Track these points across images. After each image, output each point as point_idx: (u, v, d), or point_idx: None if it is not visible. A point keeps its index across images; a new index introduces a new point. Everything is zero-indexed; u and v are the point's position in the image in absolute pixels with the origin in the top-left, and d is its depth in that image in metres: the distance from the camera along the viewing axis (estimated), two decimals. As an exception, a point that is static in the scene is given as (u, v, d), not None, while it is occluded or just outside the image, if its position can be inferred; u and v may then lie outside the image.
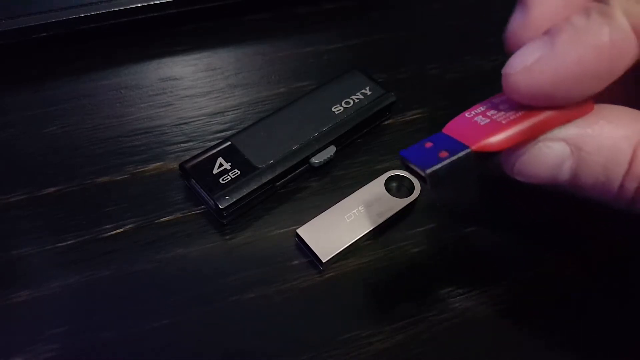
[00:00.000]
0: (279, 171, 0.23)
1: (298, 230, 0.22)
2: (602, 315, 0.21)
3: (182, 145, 0.25)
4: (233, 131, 0.25)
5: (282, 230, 0.23)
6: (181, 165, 0.23)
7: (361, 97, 0.26)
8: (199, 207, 0.23)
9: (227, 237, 0.23)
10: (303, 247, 0.22)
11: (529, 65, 0.15)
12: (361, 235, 0.22)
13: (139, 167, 0.25)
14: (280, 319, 0.21)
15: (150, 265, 0.22)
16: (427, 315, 0.21)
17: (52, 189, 0.24)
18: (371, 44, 0.31)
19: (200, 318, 0.20)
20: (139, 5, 0.28)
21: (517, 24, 0.17)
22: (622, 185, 0.16)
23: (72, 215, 0.23)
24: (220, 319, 0.20)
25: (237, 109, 0.27)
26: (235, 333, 0.20)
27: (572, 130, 0.16)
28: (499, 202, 0.24)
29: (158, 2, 0.28)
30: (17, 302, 0.20)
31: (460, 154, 0.16)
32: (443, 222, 0.23)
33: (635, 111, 0.16)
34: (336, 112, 0.25)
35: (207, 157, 0.23)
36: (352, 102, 0.25)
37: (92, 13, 0.28)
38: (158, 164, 0.25)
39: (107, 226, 0.22)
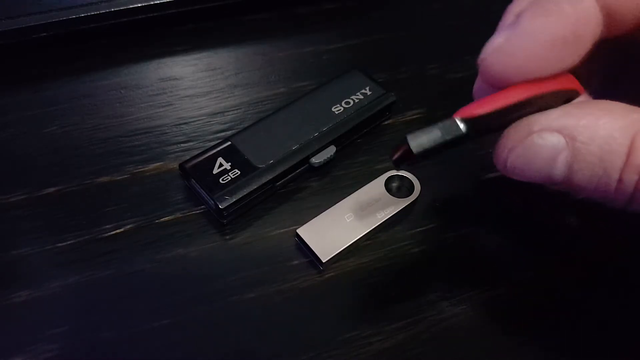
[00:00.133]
0: (279, 171, 0.23)
1: (298, 230, 0.22)
2: (602, 316, 0.21)
3: (182, 145, 0.25)
4: (233, 131, 0.25)
5: (282, 230, 0.23)
6: (181, 165, 0.23)
7: (361, 97, 0.26)
8: (199, 207, 0.23)
9: (227, 237, 0.23)
10: (303, 247, 0.22)
11: (498, 45, 0.16)
12: (361, 235, 0.22)
13: (139, 167, 0.25)
14: (280, 319, 0.21)
15: (150, 265, 0.22)
16: (427, 315, 0.21)
17: (52, 189, 0.24)
18: (371, 44, 0.31)
19: (201, 318, 0.20)
20: (139, 5, 0.28)
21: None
22: (620, 179, 0.15)
23: (72, 215, 0.23)
24: (221, 319, 0.20)
25: (237, 109, 0.27)
26: (235, 333, 0.20)
27: (566, 121, 0.15)
28: (499, 202, 0.24)
29: (158, 2, 0.29)
30: (17, 302, 0.20)
31: (445, 122, 0.16)
32: (443, 222, 0.23)
33: (630, 105, 0.16)
34: (336, 112, 0.25)
35: (207, 157, 0.23)
36: (352, 102, 0.25)
37: (92, 13, 0.28)
38: (158, 164, 0.25)
39: (107, 226, 0.22)
